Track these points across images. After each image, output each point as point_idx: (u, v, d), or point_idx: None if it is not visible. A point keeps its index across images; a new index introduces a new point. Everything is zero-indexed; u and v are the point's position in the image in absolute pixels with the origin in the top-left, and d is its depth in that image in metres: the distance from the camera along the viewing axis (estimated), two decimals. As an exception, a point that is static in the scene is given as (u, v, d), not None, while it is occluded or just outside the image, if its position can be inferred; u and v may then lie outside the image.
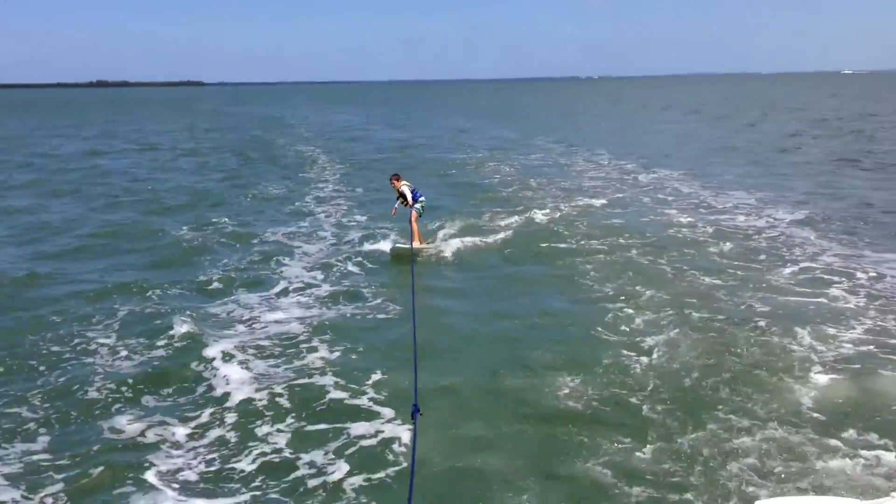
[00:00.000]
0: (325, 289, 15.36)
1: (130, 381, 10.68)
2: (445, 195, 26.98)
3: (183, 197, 27.94)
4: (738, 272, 15.81)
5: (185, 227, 21.47)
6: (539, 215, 22.30)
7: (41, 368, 11.24)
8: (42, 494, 7.89)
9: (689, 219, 21.69)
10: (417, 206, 18.25)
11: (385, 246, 18.61)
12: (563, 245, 18.90)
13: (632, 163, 35.64)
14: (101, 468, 8.34)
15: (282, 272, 16.78)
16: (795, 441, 8.53)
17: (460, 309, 14.11)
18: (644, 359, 11.10)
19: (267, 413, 9.63)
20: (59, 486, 8.05)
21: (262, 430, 9.21)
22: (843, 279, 15.10)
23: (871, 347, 11.44)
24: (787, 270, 15.94)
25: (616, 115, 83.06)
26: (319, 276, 16.45)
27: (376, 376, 10.66)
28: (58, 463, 8.52)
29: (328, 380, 10.60)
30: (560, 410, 9.53)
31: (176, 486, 8.04)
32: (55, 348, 12.02)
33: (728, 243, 18.49)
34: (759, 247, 18.21)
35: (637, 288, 14.72)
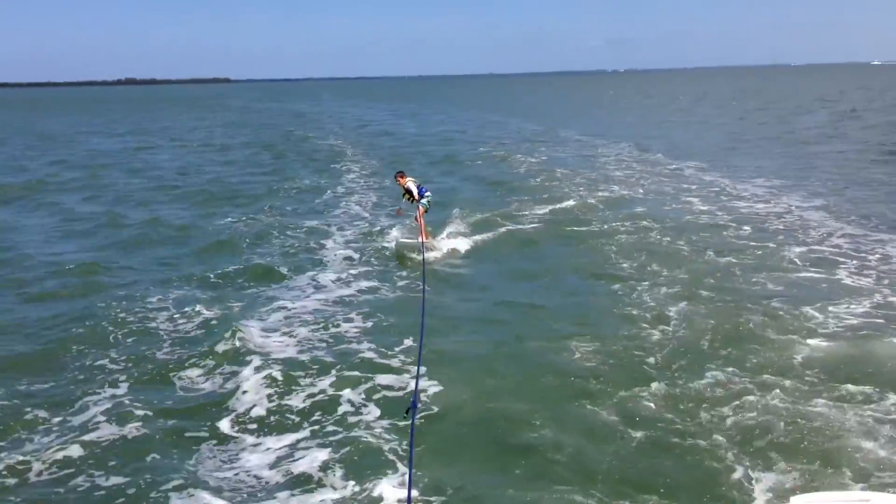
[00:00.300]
0: (357, 271, 16.46)
1: (190, 344, 12.06)
2: (473, 185, 28.16)
3: (224, 190, 29.26)
4: (755, 252, 16.73)
5: (229, 218, 22.83)
6: (564, 203, 23.33)
7: (119, 335, 12.59)
8: (129, 427, 9.25)
9: (709, 206, 22.54)
10: (423, 201, 18.41)
11: (402, 238, 18.86)
12: (585, 229, 19.99)
13: (656, 154, 36.43)
14: (181, 408, 9.75)
15: (318, 257, 18.03)
16: (794, 395, 9.50)
17: (487, 283, 15.37)
18: (659, 326, 12.17)
19: (312, 367, 10.90)
20: (141, 423, 9.34)
21: (307, 380, 10.53)
22: (855, 260, 15.94)
23: (878, 319, 12.29)
24: (799, 250, 16.82)
25: (643, 108, 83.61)
26: (352, 259, 17.68)
27: (403, 344, 11.79)
28: (140, 405, 9.80)
29: (362, 345, 11.81)
30: (576, 367, 10.65)
31: (247, 422, 9.40)
32: (130, 319, 13.38)
33: (746, 227, 19.38)
34: (777, 229, 19.10)
35: (655, 266, 15.79)
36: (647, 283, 14.63)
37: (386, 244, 18.82)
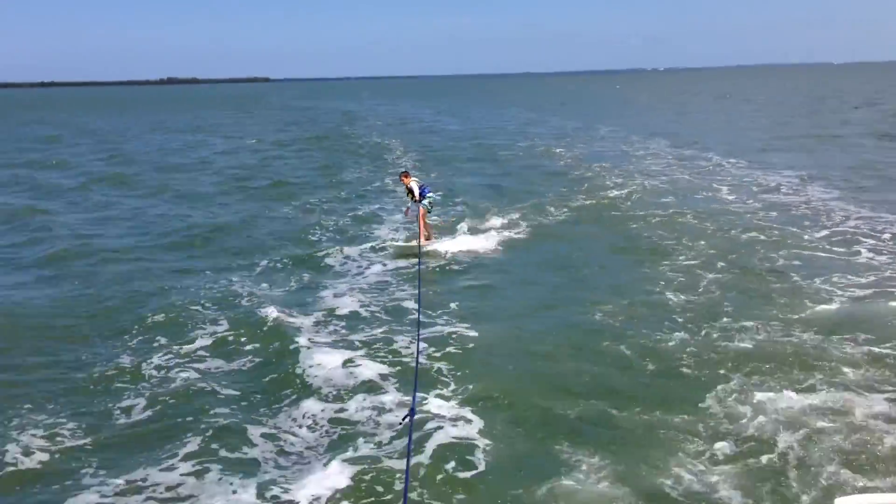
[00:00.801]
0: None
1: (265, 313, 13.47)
2: (514, 178, 30.14)
3: (284, 184, 30.87)
4: (776, 232, 18.51)
5: (286, 209, 24.80)
6: (599, 193, 25.18)
7: (199, 310, 14.04)
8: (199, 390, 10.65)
9: (738, 196, 24.21)
10: (425, 202, 18.48)
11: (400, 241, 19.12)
12: (616, 213, 21.98)
13: (693, 149, 37.86)
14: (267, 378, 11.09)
15: (370, 236, 20.19)
16: (801, 346, 11.25)
17: (527, 260, 17.36)
18: (678, 293, 14.05)
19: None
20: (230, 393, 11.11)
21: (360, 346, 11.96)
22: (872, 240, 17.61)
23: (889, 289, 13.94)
24: (822, 234, 18.51)
25: (682, 105, 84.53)
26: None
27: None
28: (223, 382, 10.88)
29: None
30: (601, 324, 12.59)
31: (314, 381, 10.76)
32: (208, 302, 15.29)
33: (773, 212, 21.13)
34: (805, 214, 20.82)
35: (683, 242, 17.75)
36: (670, 255, 16.63)
37: (386, 245, 18.95)
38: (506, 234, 19.68)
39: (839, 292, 13.76)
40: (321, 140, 50.18)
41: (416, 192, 18.45)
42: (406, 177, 18.95)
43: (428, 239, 18.44)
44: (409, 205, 18.97)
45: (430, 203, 18.66)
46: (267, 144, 49.83)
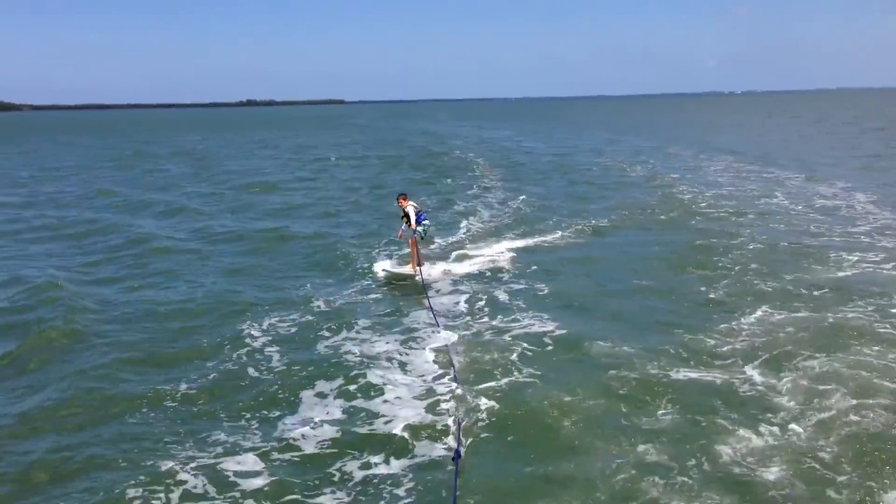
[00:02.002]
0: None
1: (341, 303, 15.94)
2: (597, 189, 34.41)
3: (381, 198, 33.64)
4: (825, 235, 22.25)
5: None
6: (667, 201, 29.17)
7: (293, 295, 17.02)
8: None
9: (797, 204, 27.91)
10: (419, 229, 18.34)
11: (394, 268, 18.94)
12: (672, 215, 25.94)
13: (782, 170, 39.57)
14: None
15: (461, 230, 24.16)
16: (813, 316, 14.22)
17: (606, 255, 20.56)
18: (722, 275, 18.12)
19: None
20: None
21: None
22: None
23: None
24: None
25: (761, 127, 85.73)
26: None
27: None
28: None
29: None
30: (652, 296, 15.98)
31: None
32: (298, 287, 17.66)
33: (823, 215, 24.92)
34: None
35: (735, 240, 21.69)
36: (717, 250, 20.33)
37: (379, 271, 18.80)
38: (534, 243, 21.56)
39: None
40: (413, 159, 53.84)
41: (413, 218, 18.36)
42: (404, 199, 18.75)
43: (420, 265, 18.23)
44: (403, 227, 18.91)
45: (423, 230, 18.54)
46: (360, 160, 54.28)
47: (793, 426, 9.76)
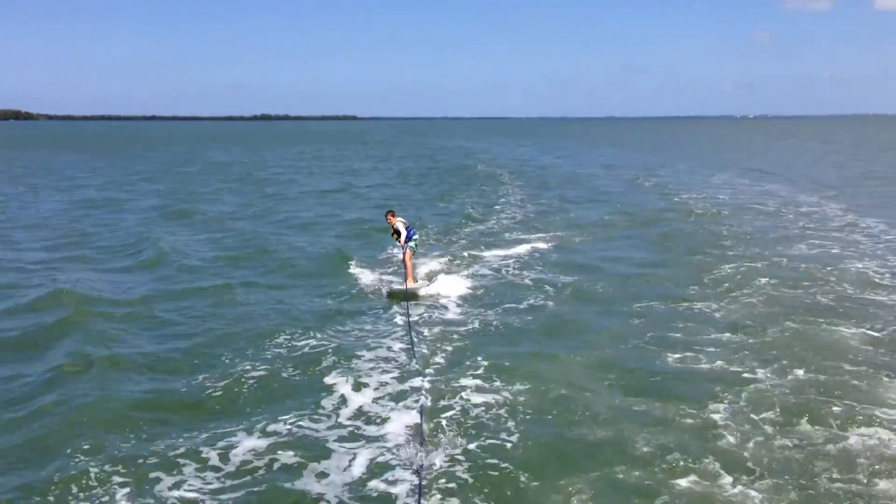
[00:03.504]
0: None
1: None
2: (613, 199, 38.11)
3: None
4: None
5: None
6: (675, 211, 32.43)
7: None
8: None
9: (795, 219, 30.84)
10: (411, 244, 18.23)
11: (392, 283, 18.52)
12: (675, 223, 28.88)
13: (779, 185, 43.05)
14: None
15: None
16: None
17: (620, 256, 22.81)
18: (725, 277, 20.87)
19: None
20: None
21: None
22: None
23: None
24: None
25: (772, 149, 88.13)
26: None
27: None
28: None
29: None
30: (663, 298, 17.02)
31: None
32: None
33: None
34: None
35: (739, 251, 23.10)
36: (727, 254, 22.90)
37: (374, 287, 18.47)
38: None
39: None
40: (447, 176, 55.02)
41: (403, 234, 18.22)
42: (392, 216, 18.60)
43: (414, 281, 18.13)
44: (394, 246, 18.85)
45: (415, 244, 18.56)
46: (393, 173, 57.63)
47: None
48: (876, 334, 14.34)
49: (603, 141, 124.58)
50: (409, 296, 17.09)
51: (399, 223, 18.30)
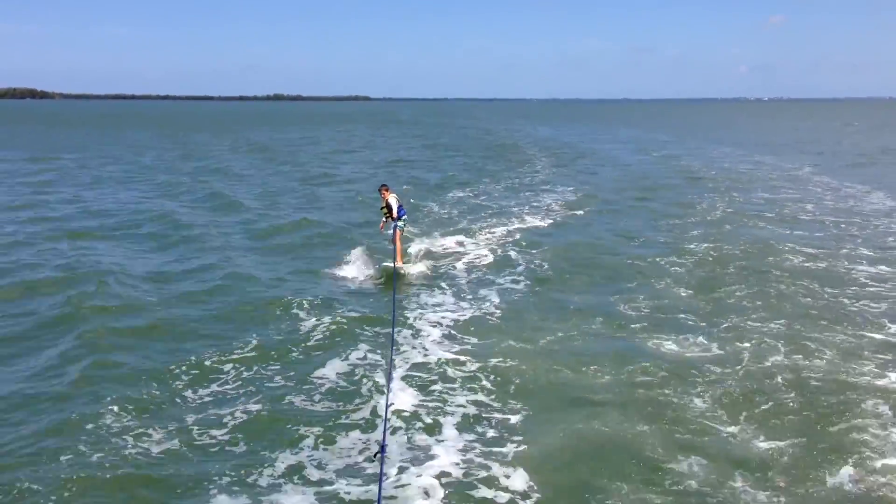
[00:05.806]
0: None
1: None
2: (629, 178, 40.26)
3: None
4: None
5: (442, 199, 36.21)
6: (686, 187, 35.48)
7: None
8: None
9: (802, 196, 33.07)
10: (400, 223, 17.89)
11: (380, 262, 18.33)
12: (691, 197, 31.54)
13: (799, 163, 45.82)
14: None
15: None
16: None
17: (628, 233, 23.75)
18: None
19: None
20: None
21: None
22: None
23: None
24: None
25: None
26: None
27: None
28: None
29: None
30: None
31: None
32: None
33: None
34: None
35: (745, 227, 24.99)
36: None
37: (364, 263, 18.30)
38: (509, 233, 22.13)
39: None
40: (488, 153, 57.87)
41: (395, 210, 17.92)
42: (386, 191, 18.36)
43: (401, 260, 17.91)
44: (384, 220, 18.47)
45: (404, 223, 18.33)
46: (438, 150, 61.44)
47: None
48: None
49: (653, 124, 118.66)
50: (398, 274, 16.92)
51: (392, 199, 18.11)
